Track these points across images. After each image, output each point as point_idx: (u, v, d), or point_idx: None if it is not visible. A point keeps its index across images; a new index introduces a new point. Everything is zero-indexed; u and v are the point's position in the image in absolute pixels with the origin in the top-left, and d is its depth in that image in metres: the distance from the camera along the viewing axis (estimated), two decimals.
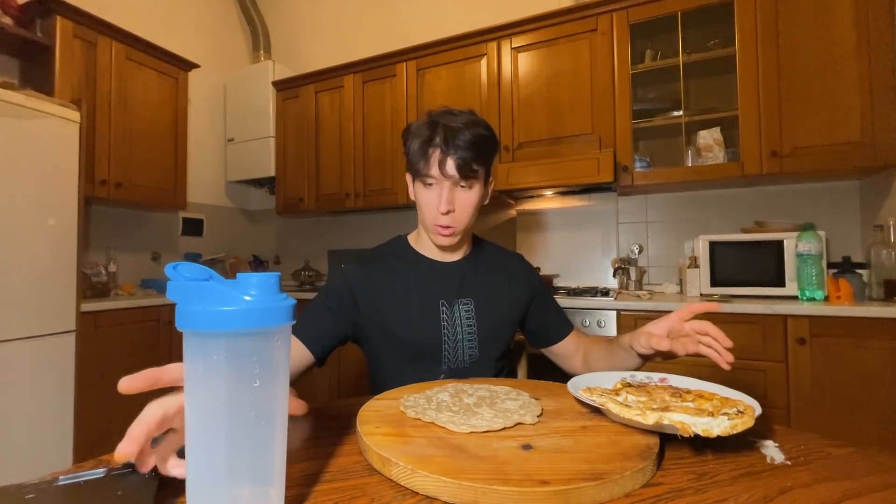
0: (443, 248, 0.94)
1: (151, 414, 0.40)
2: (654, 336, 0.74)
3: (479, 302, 0.93)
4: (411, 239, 1.00)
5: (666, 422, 0.49)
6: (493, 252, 1.04)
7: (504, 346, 0.96)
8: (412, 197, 0.93)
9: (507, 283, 0.98)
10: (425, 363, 0.89)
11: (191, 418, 0.35)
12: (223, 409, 0.34)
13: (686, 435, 0.48)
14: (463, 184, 0.85)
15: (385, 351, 0.92)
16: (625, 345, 0.82)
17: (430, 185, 0.86)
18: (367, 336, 0.92)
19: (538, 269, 2.40)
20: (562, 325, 1.01)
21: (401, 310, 0.90)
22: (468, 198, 0.86)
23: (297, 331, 0.86)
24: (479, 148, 0.83)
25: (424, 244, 0.96)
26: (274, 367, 0.36)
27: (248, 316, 0.34)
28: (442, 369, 0.89)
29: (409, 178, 0.93)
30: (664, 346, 0.73)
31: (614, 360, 0.87)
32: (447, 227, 0.86)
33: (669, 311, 1.85)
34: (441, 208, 0.84)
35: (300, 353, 0.83)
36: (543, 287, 1.04)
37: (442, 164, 0.82)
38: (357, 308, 0.91)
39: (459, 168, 0.82)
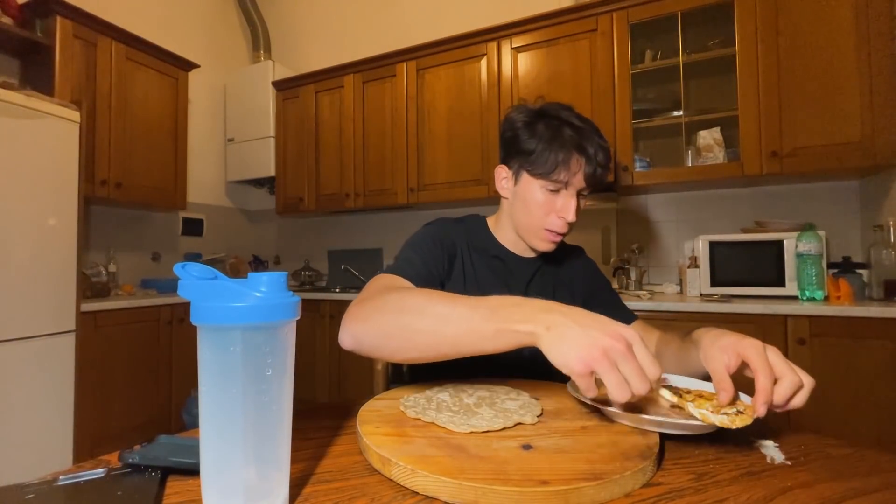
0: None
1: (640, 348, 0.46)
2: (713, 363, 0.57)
3: (546, 298, 0.92)
4: (490, 224, 0.96)
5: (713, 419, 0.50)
6: (560, 247, 1.00)
7: None
8: (506, 193, 0.89)
9: (569, 281, 0.97)
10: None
11: (207, 407, 0.37)
12: (239, 397, 0.37)
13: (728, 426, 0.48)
14: (585, 192, 0.83)
15: None
16: (696, 343, 0.64)
17: (557, 191, 0.81)
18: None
19: None
20: (620, 318, 0.96)
21: (470, 287, 0.87)
22: (580, 206, 0.84)
23: (405, 272, 0.78)
24: (609, 152, 0.82)
25: (503, 234, 0.93)
26: (283, 357, 0.39)
27: (262, 311, 0.37)
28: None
29: (504, 170, 0.88)
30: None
31: (686, 360, 0.69)
32: (561, 235, 0.84)
33: (669, 312, 1.84)
34: (571, 218, 0.81)
35: None
36: (602, 281, 1.02)
37: (588, 176, 0.80)
38: (450, 263, 0.87)
39: (600, 179, 0.81)
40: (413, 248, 0.85)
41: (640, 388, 0.45)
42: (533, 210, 0.83)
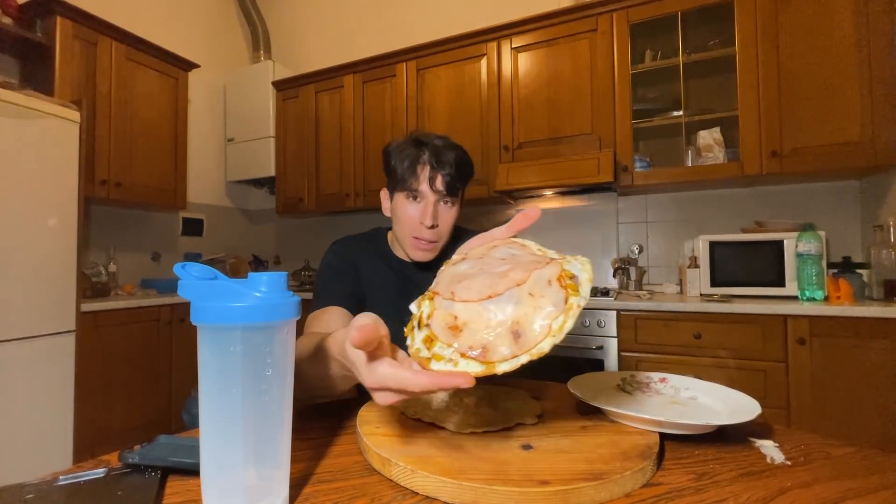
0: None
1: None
2: None
3: None
4: (389, 238, 1.03)
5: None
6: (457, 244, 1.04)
7: None
8: (387, 213, 0.98)
9: None
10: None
11: (207, 407, 0.37)
12: (239, 397, 0.37)
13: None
14: (447, 200, 0.90)
15: None
16: None
17: (415, 199, 0.89)
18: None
19: None
20: None
21: (374, 304, 0.93)
22: (450, 214, 0.91)
23: (328, 300, 0.88)
24: (462, 167, 0.90)
25: (398, 247, 1.00)
26: (283, 357, 0.39)
27: (262, 310, 0.37)
28: None
29: (385, 194, 0.98)
30: None
31: None
32: (430, 242, 0.90)
33: (669, 312, 1.84)
34: (427, 222, 0.87)
35: (344, 317, 0.84)
36: None
37: (432, 180, 0.87)
38: (360, 279, 0.95)
39: (447, 184, 0.87)
40: (324, 280, 0.94)
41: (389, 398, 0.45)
42: (401, 221, 0.92)
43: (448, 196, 0.89)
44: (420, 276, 0.97)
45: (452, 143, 0.91)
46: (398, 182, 0.91)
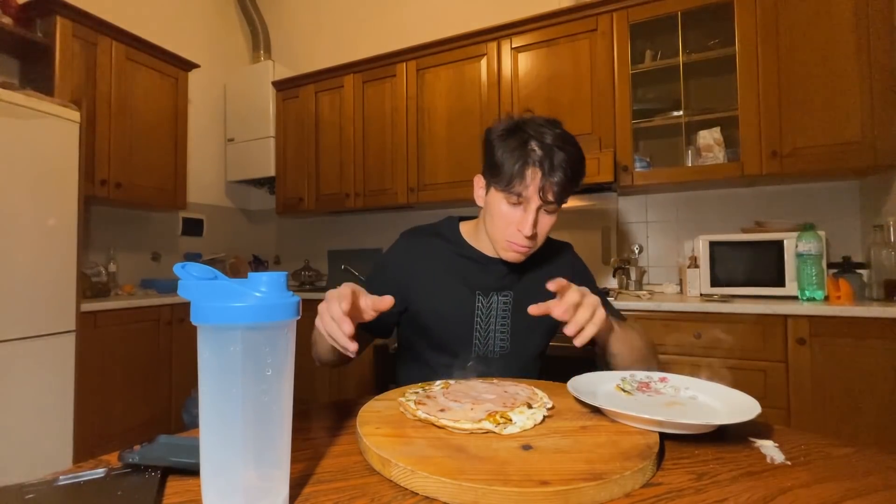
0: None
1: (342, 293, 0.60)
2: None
3: (518, 296, 0.92)
4: (466, 227, 0.98)
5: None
6: (543, 244, 0.98)
7: (541, 341, 0.96)
8: (479, 202, 0.90)
9: (549, 278, 0.95)
10: (453, 349, 0.90)
11: (207, 407, 0.37)
12: (239, 397, 0.37)
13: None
14: (549, 208, 0.81)
15: (415, 331, 0.94)
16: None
17: (517, 204, 0.80)
18: (407, 313, 0.93)
19: None
20: None
21: (434, 294, 0.91)
22: (549, 221, 0.83)
23: None
24: (576, 171, 0.80)
25: (480, 240, 0.94)
26: (283, 357, 0.39)
27: (262, 311, 0.37)
28: (471, 357, 0.90)
29: (479, 181, 0.90)
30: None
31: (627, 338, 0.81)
32: (525, 247, 0.83)
33: (669, 312, 1.84)
34: (527, 232, 0.79)
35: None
36: (585, 279, 0.99)
37: (543, 190, 0.77)
38: (405, 283, 0.92)
39: (557, 194, 0.78)
40: (370, 281, 0.95)
41: (329, 328, 0.59)
42: (497, 222, 0.83)
43: (555, 204, 0.80)
44: (497, 268, 0.92)
45: (564, 137, 0.80)
46: (501, 179, 0.79)
